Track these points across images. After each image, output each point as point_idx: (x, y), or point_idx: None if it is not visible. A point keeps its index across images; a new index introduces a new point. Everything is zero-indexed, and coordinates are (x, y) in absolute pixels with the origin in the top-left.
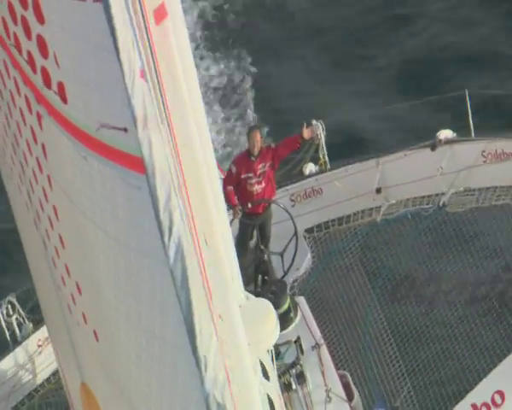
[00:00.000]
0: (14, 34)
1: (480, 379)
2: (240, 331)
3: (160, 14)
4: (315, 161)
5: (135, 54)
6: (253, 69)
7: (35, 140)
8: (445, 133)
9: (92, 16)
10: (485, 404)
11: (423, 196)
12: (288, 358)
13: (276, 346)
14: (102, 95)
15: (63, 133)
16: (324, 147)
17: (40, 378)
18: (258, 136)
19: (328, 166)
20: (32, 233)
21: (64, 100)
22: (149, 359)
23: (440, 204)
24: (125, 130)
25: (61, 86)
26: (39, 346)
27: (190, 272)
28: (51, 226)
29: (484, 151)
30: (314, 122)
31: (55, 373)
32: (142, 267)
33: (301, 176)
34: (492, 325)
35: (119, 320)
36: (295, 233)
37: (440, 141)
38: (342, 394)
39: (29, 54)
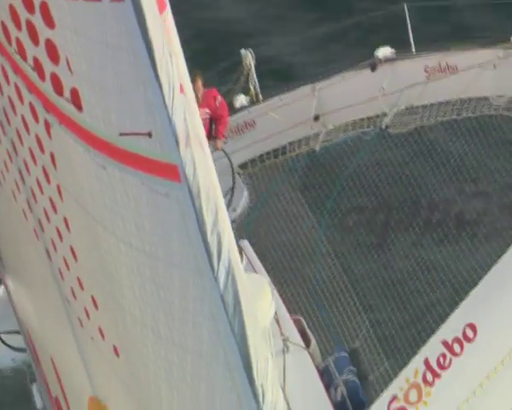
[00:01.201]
0: (17, 40)
1: (446, 312)
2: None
3: (161, 5)
4: (245, 92)
5: (172, 67)
6: None
7: (41, 149)
8: (384, 51)
9: (110, 17)
10: (457, 339)
11: (363, 119)
12: None
13: None
14: (122, 99)
15: (77, 142)
16: (255, 77)
17: None
18: (199, 84)
19: (260, 97)
20: (30, 241)
21: (79, 107)
22: (182, 374)
23: (382, 126)
24: (149, 135)
25: (74, 93)
26: None
27: (242, 296)
28: (60, 238)
29: (427, 66)
30: (243, 51)
31: None
32: (171, 279)
33: (232, 109)
34: (452, 252)
35: (146, 335)
36: (233, 179)
37: (380, 60)
38: (300, 341)
39: (36, 60)
